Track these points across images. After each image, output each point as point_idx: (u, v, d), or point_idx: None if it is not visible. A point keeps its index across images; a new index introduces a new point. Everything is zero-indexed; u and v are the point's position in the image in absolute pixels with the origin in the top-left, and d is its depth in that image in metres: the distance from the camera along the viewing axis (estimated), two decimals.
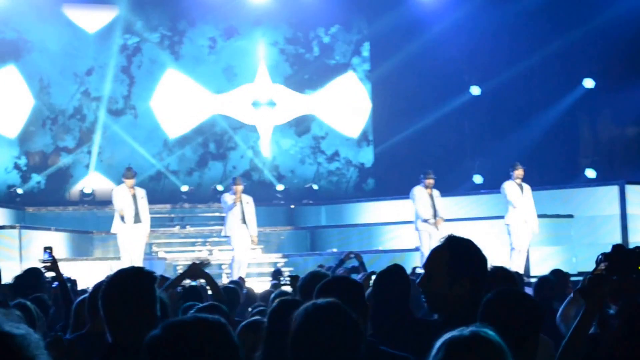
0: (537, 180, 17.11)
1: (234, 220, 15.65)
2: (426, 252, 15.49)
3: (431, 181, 15.81)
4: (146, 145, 20.79)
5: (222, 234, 16.12)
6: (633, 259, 3.97)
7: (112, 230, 15.39)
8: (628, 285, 4.10)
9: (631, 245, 13.66)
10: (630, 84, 19.33)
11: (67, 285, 7.14)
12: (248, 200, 15.88)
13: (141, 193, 15.40)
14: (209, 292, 7.00)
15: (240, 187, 15.80)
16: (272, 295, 7.05)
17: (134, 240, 15.08)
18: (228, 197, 15.84)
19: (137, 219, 15.17)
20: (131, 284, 3.71)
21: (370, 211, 19.69)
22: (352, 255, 10.50)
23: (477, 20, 20.91)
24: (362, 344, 3.10)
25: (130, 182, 15.24)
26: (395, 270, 5.22)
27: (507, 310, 3.58)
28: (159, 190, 20.03)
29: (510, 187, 15.56)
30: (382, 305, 4.94)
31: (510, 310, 3.58)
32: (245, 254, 15.81)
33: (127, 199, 15.13)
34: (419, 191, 15.86)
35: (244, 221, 15.72)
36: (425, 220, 15.69)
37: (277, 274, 12.90)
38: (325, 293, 3.82)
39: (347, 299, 3.46)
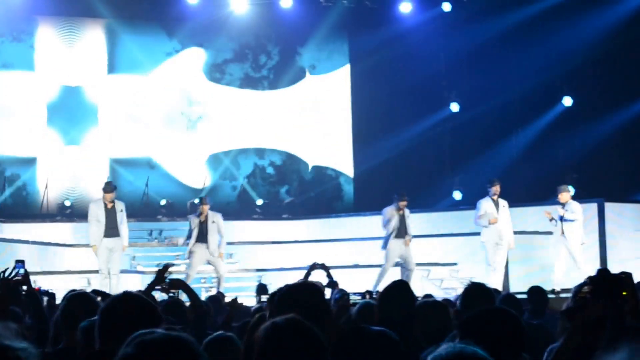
0: (516, 197, 17.17)
1: (194, 238, 15.67)
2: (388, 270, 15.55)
3: (404, 203, 15.76)
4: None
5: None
6: (618, 283, 3.98)
7: (91, 244, 15.30)
8: (612, 310, 4.12)
9: (609, 263, 13.71)
10: (609, 102, 19.47)
11: (39, 298, 7.07)
12: (214, 219, 15.79)
13: (120, 206, 15.32)
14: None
15: (206, 207, 15.75)
16: (252, 309, 7.01)
17: (111, 253, 15.01)
18: (193, 220, 15.81)
19: (114, 233, 15.09)
20: (132, 319, 3.61)
21: (350, 226, 19.67)
22: (317, 266, 10.42)
23: (457, 37, 21.00)
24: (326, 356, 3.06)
25: (109, 195, 15.17)
26: (401, 286, 5.29)
27: (489, 328, 3.56)
28: (137, 204, 19.95)
29: (484, 205, 15.61)
30: (386, 321, 4.98)
31: (492, 328, 3.56)
32: (223, 268, 15.81)
33: (101, 212, 15.06)
34: (389, 212, 15.82)
35: (203, 239, 15.63)
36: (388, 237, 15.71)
37: (261, 289, 12.79)
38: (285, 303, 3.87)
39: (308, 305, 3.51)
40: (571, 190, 15.70)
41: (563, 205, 15.38)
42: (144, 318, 3.60)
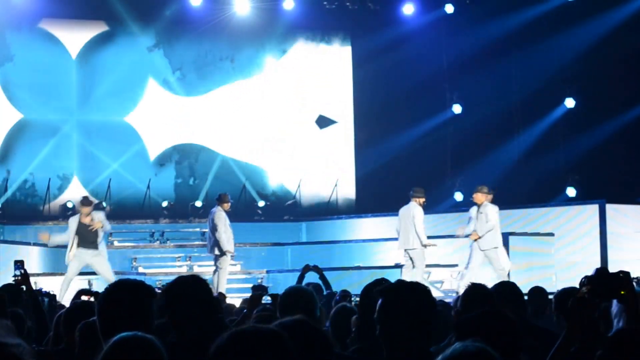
0: (518, 198, 17.18)
1: (229, 238, 15.74)
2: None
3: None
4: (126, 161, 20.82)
5: (225, 249, 15.95)
6: (616, 283, 3.97)
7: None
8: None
9: (610, 264, 13.66)
10: (612, 104, 19.45)
11: (39, 299, 7.07)
12: None
13: (98, 219, 15.22)
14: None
15: (228, 205, 15.86)
16: (254, 312, 7.00)
17: (95, 265, 14.97)
18: (223, 214, 15.82)
19: (93, 247, 14.99)
20: (128, 298, 3.65)
21: (351, 228, 19.67)
22: (310, 268, 10.36)
23: (460, 39, 21.01)
24: (332, 357, 3.07)
25: (86, 209, 15.09)
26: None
27: (484, 330, 3.58)
28: (139, 206, 19.97)
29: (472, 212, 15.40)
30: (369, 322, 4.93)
31: (490, 330, 3.59)
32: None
33: (74, 227, 15.00)
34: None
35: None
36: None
37: (258, 290, 12.76)
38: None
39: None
40: (487, 192, 14.84)
41: (478, 206, 14.98)
42: (139, 304, 3.62)
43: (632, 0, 19.48)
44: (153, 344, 2.92)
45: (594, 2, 19.63)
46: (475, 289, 5.46)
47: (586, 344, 4.17)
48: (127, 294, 3.70)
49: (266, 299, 8.14)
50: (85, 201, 15.34)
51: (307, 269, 10.39)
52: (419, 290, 3.76)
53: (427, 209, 16.65)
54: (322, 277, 10.15)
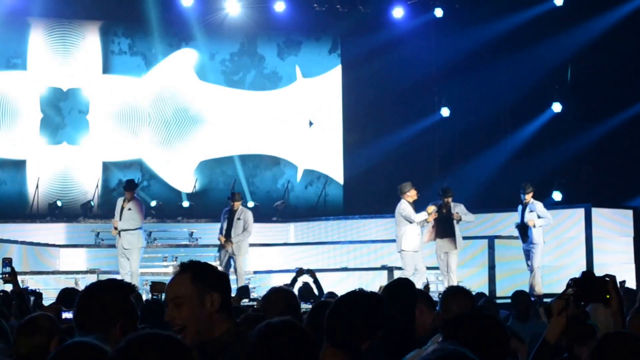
0: (505, 201, 17.22)
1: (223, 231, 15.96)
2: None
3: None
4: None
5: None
6: (601, 286, 4.01)
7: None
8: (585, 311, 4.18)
9: (596, 268, 13.71)
10: (598, 109, 19.54)
11: (26, 297, 7.10)
12: (239, 216, 16.04)
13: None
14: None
15: (239, 204, 16.01)
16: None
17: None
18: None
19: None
20: (108, 296, 3.67)
21: (339, 230, 19.69)
22: (304, 272, 10.35)
23: (449, 43, 21.06)
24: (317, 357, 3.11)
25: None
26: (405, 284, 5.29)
27: (475, 332, 3.63)
28: None
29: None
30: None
31: (478, 333, 3.64)
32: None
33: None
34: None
35: (228, 235, 15.92)
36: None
37: (243, 292, 12.81)
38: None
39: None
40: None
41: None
42: (115, 300, 3.64)
43: (619, 7, 19.58)
44: (96, 348, 2.88)
45: (582, 7, 19.72)
46: (455, 291, 5.50)
47: (573, 347, 4.20)
48: (103, 290, 3.71)
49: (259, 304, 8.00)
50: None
51: (300, 272, 10.41)
52: (369, 298, 3.79)
53: (415, 212, 16.69)
54: (316, 281, 10.18)
